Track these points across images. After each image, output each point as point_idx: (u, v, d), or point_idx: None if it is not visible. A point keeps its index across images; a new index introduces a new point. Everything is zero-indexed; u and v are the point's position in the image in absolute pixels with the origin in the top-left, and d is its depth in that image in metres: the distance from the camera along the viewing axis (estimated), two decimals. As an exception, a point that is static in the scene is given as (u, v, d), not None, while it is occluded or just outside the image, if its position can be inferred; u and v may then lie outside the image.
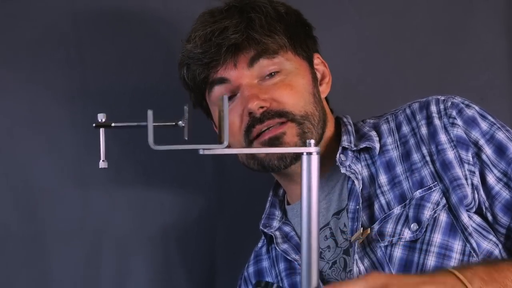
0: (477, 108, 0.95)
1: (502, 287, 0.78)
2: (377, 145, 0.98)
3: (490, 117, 0.95)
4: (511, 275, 0.80)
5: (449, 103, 0.95)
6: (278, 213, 1.09)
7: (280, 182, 1.09)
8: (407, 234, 0.90)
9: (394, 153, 0.97)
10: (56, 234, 1.22)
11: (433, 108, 0.96)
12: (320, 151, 0.71)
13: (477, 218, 0.91)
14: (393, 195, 0.94)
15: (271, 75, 0.97)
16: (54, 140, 1.23)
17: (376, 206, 0.94)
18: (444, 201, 0.90)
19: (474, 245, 0.88)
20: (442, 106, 0.95)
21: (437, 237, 0.89)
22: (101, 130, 0.66)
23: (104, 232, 1.25)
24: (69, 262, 1.23)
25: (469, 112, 0.94)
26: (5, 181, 1.21)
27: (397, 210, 0.92)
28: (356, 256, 0.93)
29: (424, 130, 0.95)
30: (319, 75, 1.05)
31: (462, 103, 0.95)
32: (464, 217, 0.89)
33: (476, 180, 0.91)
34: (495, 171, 0.91)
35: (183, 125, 0.67)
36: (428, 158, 0.93)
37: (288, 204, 1.08)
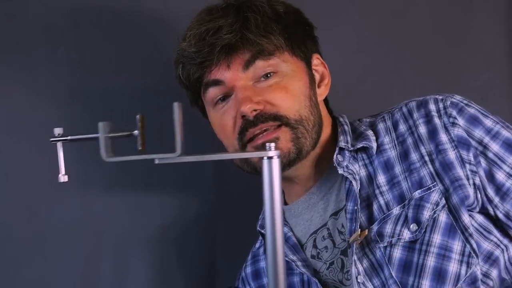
0: (477, 106, 0.95)
1: None
2: (374, 145, 0.98)
3: (491, 115, 0.94)
4: None
5: (448, 102, 0.94)
6: None
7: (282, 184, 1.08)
8: (406, 235, 0.90)
9: (392, 153, 0.97)
10: (56, 234, 1.22)
11: (432, 106, 0.95)
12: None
13: (479, 218, 0.91)
14: (392, 195, 0.94)
15: (266, 76, 0.96)
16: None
17: (375, 206, 0.94)
18: (443, 201, 0.90)
19: (474, 246, 0.88)
20: (441, 105, 0.94)
21: (437, 238, 0.89)
22: (58, 144, 0.66)
23: (104, 232, 1.25)
24: (69, 262, 1.23)
25: (470, 110, 0.93)
26: (5, 181, 1.21)
27: (396, 210, 0.92)
28: (355, 257, 0.92)
29: (422, 129, 0.94)
30: (317, 76, 1.03)
31: (462, 102, 0.94)
32: (465, 217, 0.89)
33: (478, 180, 0.90)
34: (505, 167, 0.90)
35: (138, 134, 0.65)
36: (427, 158, 0.93)
37: (286, 204, 1.08)
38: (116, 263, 1.26)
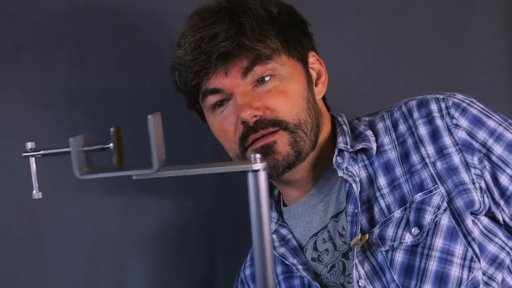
0: (480, 105, 0.94)
1: None
2: (374, 145, 0.97)
3: (494, 114, 0.93)
4: None
5: (450, 102, 0.93)
6: (274, 214, 1.07)
7: (275, 185, 1.08)
8: (408, 239, 0.90)
9: (392, 154, 0.96)
10: (56, 234, 1.22)
11: (433, 106, 0.94)
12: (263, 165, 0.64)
13: (484, 220, 0.90)
14: (393, 198, 0.93)
15: (264, 79, 0.95)
16: (54, 140, 1.22)
17: (376, 209, 0.93)
18: (445, 204, 0.89)
19: (477, 250, 0.87)
20: (443, 105, 0.93)
21: (439, 242, 0.88)
22: (31, 160, 0.63)
23: (104, 232, 1.25)
24: (69, 262, 1.23)
25: (473, 111, 0.93)
26: (5, 181, 1.20)
27: (397, 213, 0.92)
28: (356, 260, 0.92)
29: (422, 130, 0.94)
30: (314, 75, 1.02)
31: (464, 101, 0.93)
32: (469, 221, 0.88)
33: (484, 183, 0.90)
34: (508, 170, 0.90)
35: (112, 146, 0.64)
36: (427, 160, 0.92)
37: (285, 205, 1.08)
38: (116, 263, 1.26)
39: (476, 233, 0.88)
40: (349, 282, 0.95)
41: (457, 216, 0.89)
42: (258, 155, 0.62)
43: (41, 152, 0.63)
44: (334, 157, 0.97)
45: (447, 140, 0.91)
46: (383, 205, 0.93)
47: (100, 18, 1.24)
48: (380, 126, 0.98)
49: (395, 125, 0.97)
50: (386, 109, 1.01)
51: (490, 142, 0.91)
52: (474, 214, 0.89)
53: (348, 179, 0.95)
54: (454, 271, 0.87)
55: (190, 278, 1.31)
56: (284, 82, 0.96)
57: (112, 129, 0.63)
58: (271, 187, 1.11)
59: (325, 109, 1.04)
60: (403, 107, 0.97)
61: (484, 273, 0.87)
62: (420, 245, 0.89)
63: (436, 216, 0.89)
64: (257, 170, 0.63)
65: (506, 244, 0.90)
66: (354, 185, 0.94)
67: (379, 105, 1.06)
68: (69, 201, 1.23)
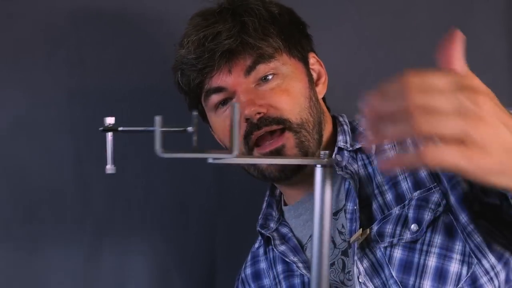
0: None
1: None
2: (373, 145, 0.97)
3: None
4: None
5: None
6: (275, 213, 1.08)
7: (277, 186, 1.09)
8: (407, 235, 0.90)
9: (391, 153, 0.96)
10: (56, 234, 1.22)
11: None
12: (330, 160, 0.68)
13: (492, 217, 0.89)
14: (391, 195, 0.93)
15: (266, 78, 0.96)
16: (54, 140, 1.23)
17: (375, 206, 0.94)
18: (444, 202, 0.90)
19: (472, 245, 0.87)
20: None
21: (438, 238, 0.89)
22: (108, 134, 0.64)
23: (104, 232, 1.25)
24: (69, 262, 1.23)
25: None
26: (5, 181, 1.21)
27: (396, 210, 0.92)
28: (356, 257, 0.92)
29: None
30: (315, 75, 1.03)
31: None
32: (463, 216, 0.88)
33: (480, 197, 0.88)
34: None
35: (192, 131, 0.64)
36: None
37: (285, 204, 1.08)
38: (116, 263, 1.26)
39: (470, 228, 0.88)
40: (349, 279, 0.96)
41: (454, 212, 0.89)
42: (326, 152, 0.67)
43: (120, 128, 0.64)
44: (333, 155, 0.98)
45: None
46: (381, 202, 0.94)
47: (100, 18, 1.24)
48: None
49: None
50: None
51: None
52: (473, 207, 0.89)
53: (346, 176, 0.96)
54: (453, 267, 0.87)
55: (190, 277, 1.31)
56: (287, 80, 0.96)
57: (194, 113, 0.64)
58: (272, 187, 1.12)
59: (325, 109, 1.05)
60: None
61: (492, 268, 0.87)
62: (419, 242, 0.89)
63: (435, 213, 0.89)
64: (325, 165, 0.67)
65: (510, 243, 0.89)
66: (352, 183, 0.95)
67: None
68: (69, 201, 1.23)
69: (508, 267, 0.88)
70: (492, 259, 0.87)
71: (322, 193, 0.67)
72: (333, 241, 0.99)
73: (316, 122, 0.98)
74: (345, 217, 0.95)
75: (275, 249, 1.04)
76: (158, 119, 0.60)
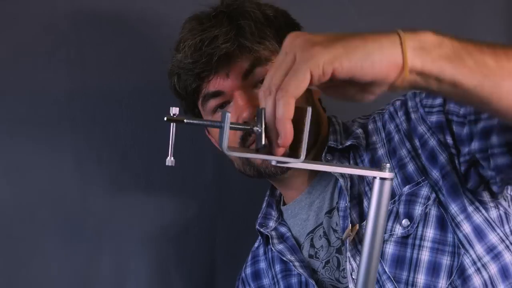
0: None
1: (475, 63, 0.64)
2: (363, 142, 0.98)
3: None
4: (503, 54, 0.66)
5: (424, 94, 0.93)
6: (274, 213, 1.09)
7: (276, 186, 1.09)
8: (398, 230, 0.90)
9: (381, 151, 0.97)
10: (56, 234, 1.22)
11: (410, 103, 0.95)
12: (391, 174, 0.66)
13: (492, 209, 0.89)
14: None
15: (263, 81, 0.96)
16: (54, 140, 1.23)
17: (366, 203, 0.94)
18: (434, 195, 0.89)
19: (460, 236, 0.87)
20: (418, 99, 0.94)
21: (430, 232, 0.89)
22: (172, 125, 0.61)
23: (104, 232, 1.25)
24: (69, 262, 1.23)
25: None
26: (5, 181, 1.21)
27: None
28: (349, 254, 0.92)
29: (405, 126, 0.94)
30: None
31: None
32: (453, 207, 0.88)
33: (463, 158, 0.88)
34: (455, 118, 0.87)
35: (259, 130, 0.62)
36: (413, 153, 0.92)
37: (284, 204, 1.08)
38: (116, 263, 1.26)
39: (479, 219, 0.87)
40: (344, 276, 0.96)
41: (444, 205, 0.89)
42: (388, 164, 0.64)
43: (185, 120, 0.61)
44: (323, 154, 0.98)
45: (421, 129, 0.91)
46: None
47: (100, 18, 1.24)
48: (371, 127, 1.00)
49: (384, 126, 0.98)
50: (378, 111, 1.02)
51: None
52: (470, 192, 0.88)
53: (336, 175, 0.96)
54: (446, 260, 0.87)
55: (191, 278, 1.31)
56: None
57: (261, 110, 0.62)
58: (273, 187, 1.12)
59: (322, 111, 1.06)
60: (390, 108, 0.99)
61: (479, 259, 0.87)
62: (410, 237, 0.89)
63: (426, 207, 0.89)
64: (385, 179, 0.63)
65: (507, 237, 0.89)
66: (342, 181, 0.95)
67: (379, 105, 1.06)
68: (69, 201, 1.23)
69: (500, 260, 0.88)
70: (480, 250, 0.87)
71: (378, 207, 0.64)
72: (327, 239, 1.00)
73: (313, 123, 0.98)
74: (339, 215, 0.96)
75: (273, 248, 1.04)
76: (228, 115, 0.59)
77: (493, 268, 0.87)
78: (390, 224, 0.91)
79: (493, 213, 0.89)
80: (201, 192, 1.31)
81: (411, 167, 0.92)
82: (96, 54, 1.24)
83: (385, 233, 0.90)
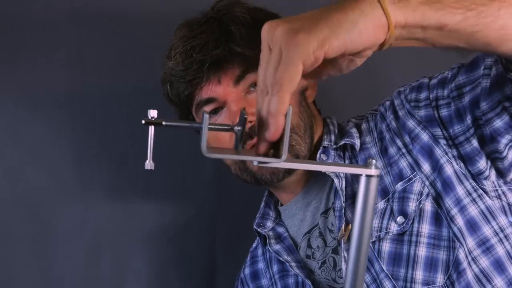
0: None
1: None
2: (358, 141, 0.98)
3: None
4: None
5: (408, 90, 0.94)
6: (272, 213, 1.09)
7: (271, 190, 1.10)
8: (394, 228, 0.90)
9: (373, 150, 0.97)
10: (56, 234, 1.22)
11: (396, 101, 0.95)
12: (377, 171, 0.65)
13: (488, 201, 0.88)
14: None
15: (255, 85, 0.94)
16: (54, 140, 1.23)
17: None
18: (426, 190, 0.89)
19: (455, 229, 0.87)
20: (402, 96, 0.94)
21: (425, 228, 0.89)
22: (151, 128, 0.60)
23: (104, 232, 1.25)
24: (69, 262, 1.23)
25: (424, 80, 0.92)
26: (5, 181, 1.21)
27: (380, 205, 0.92)
28: (345, 254, 0.92)
29: (394, 124, 0.94)
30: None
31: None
32: (447, 201, 0.88)
33: (455, 151, 0.88)
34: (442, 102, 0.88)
35: (240, 130, 0.62)
36: (404, 150, 0.92)
37: (282, 205, 1.08)
38: (116, 263, 1.26)
39: (474, 211, 0.87)
40: (340, 277, 0.96)
41: (439, 198, 0.89)
42: (374, 161, 0.63)
43: (163, 122, 0.60)
44: (318, 154, 0.98)
45: (410, 123, 0.91)
46: None
47: (100, 18, 1.24)
48: (364, 127, 1.00)
49: (376, 126, 0.98)
50: (371, 112, 1.02)
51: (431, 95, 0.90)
52: (479, 177, 0.88)
53: (330, 174, 0.96)
54: (442, 254, 0.87)
55: (190, 278, 1.31)
56: None
57: (242, 110, 0.62)
58: (271, 188, 1.12)
59: (316, 113, 1.06)
60: (381, 108, 0.99)
61: (469, 253, 0.87)
62: (406, 233, 0.89)
63: (420, 203, 0.89)
64: (371, 176, 0.63)
65: (502, 230, 0.89)
66: (336, 180, 0.95)
67: (376, 105, 1.07)
68: (69, 201, 1.23)
69: (493, 253, 0.87)
70: (471, 243, 0.86)
71: (365, 204, 0.63)
72: (323, 240, 1.00)
73: (308, 127, 0.99)
74: (334, 215, 0.96)
75: (270, 248, 1.04)
76: (206, 116, 0.58)
77: (484, 262, 0.87)
78: (385, 222, 0.91)
79: (496, 203, 0.88)
80: (201, 192, 1.31)
81: (402, 164, 0.92)
82: (96, 54, 1.24)
83: (380, 232, 0.91)
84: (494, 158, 0.85)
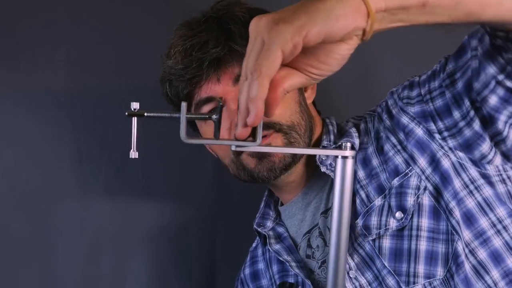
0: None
1: None
2: (357, 141, 0.98)
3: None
4: None
5: (400, 89, 0.94)
6: (272, 213, 1.09)
7: (271, 189, 1.09)
8: (393, 224, 0.90)
9: (369, 149, 0.97)
10: (56, 234, 1.22)
11: (389, 101, 0.95)
12: (352, 152, 0.69)
13: (486, 192, 0.87)
14: (371, 187, 0.93)
15: None
16: (54, 140, 1.23)
17: (358, 201, 0.94)
18: (423, 184, 0.89)
19: (453, 222, 0.87)
20: (395, 96, 0.94)
21: (425, 222, 0.89)
22: (134, 119, 0.64)
23: (104, 232, 1.25)
24: (69, 262, 1.23)
25: (415, 79, 0.93)
26: (5, 181, 1.21)
27: (378, 201, 0.92)
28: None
29: (389, 123, 0.94)
30: None
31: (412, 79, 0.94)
32: (445, 194, 0.88)
33: (451, 143, 0.87)
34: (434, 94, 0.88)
35: (216, 118, 0.66)
36: (399, 147, 0.92)
37: (282, 205, 1.08)
38: (116, 263, 1.26)
39: (471, 203, 0.87)
40: None
41: (436, 192, 0.89)
42: (349, 144, 0.68)
43: (145, 113, 0.65)
44: (317, 155, 0.98)
45: (404, 120, 0.91)
46: (363, 195, 0.94)
47: (100, 18, 1.24)
48: (362, 127, 1.01)
49: (373, 126, 0.99)
50: (369, 112, 1.02)
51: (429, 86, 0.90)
52: (481, 162, 0.87)
53: (330, 174, 0.96)
54: (441, 248, 0.87)
55: (190, 278, 1.31)
56: None
57: (221, 103, 0.68)
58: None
59: (316, 113, 1.06)
60: (378, 109, 0.99)
61: (466, 245, 0.87)
62: (406, 228, 0.89)
63: (418, 197, 0.89)
64: (346, 157, 0.67)
65: (500, 222, 0.88)
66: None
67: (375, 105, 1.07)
68: (69, 201, 1.23)
69: (489, 245, 0.87)
70: (468, 235, 0.87)
71: (342, 187, 0.68)
72: (323, 239, 1.00)
73: (308, 127, 0.99)
74: None
75: (270, 248, 1.04)
76: (183, 105, 0.62)
77: (481, 254, 0.87)
78: (384, 218, 0.91)
79: (500, 188, 0.88)
80: (201, 192, 1.31)
81: (397, 160, 0.92)
82: (96, 54, 1.24)
83: (380, 229, 0.91)
84: (497, 141, 0.84)
